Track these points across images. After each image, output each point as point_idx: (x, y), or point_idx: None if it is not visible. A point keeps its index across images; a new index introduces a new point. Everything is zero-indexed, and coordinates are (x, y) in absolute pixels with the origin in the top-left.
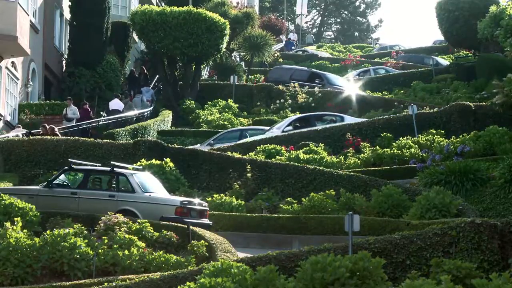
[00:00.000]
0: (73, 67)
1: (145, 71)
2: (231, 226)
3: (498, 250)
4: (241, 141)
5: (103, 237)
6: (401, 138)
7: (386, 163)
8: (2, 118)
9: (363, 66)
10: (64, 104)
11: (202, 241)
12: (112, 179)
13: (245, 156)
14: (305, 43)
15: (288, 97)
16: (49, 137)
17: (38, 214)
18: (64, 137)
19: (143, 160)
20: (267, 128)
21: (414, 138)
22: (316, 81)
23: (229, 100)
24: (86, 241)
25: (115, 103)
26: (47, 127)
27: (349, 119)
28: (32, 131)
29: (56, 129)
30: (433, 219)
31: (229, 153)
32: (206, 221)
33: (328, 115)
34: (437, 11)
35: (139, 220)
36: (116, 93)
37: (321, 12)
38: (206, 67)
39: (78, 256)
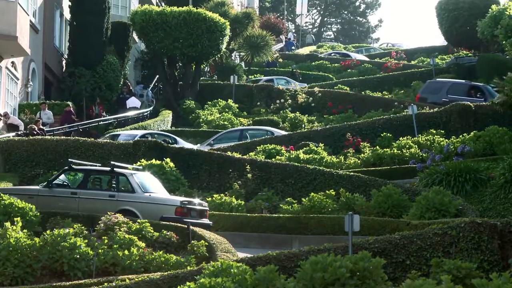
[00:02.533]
0: (73, 67)
1: (130, 87)
2: (231, 226)
3: (498, 250)
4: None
5: (103, 237)
6: (401, 138)
7: (386, 163)
8: (2, 118)
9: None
10: (66, 105)
11: (202, 241)
12: (112, 179)
13: (245, 156)
14: (305, 43)
15: (288, 97)
16: (49, 137)
17: (38, 214)
18: (64, 137)
19: (143, 160)
20: (268, 128)
21: (414, 138)
22: (478, 96)
23: (229, 100)
24: (86, 241)
25: (133, 101)
26: (33, 127)
27: (182, 142)
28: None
29: (36, 129)
30: (433, 219)
31: (229, 153)
32: (206, 221)
33: (162, 135)
34: (437, 11)
35: (139, 220)
36: (134, 91)
37: (321, 12)
38: (206, 67)
39: (78, 256)
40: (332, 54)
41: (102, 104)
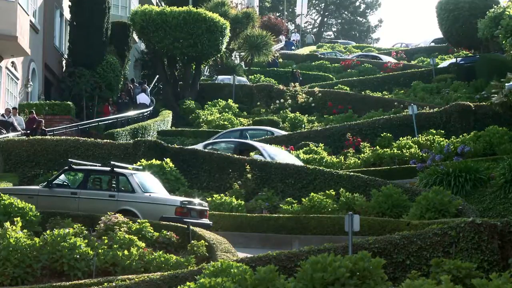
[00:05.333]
0: (73, 67)
1: (129, 87)
2: (231, 226)
3: (498, 250)
4: None
5: (103, 237)
6: (401, 138)
7: (386, 163)
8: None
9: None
10: (67, 105)
11: (202, 241)
12: (112, 179)
13: (245, 156)
14: (305, 43)
15: (288, 97)
16: (49, 137)
17: (38, 214)
18: (64, 137)
19: (143, 160)
20: (268, 128)
21: (414, 138)
22: None
23: (229, 100)
24: (86, 241)
25: (142, 97)
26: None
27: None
28: (28, 131)
29: (42, 123)
30: (433, 219)
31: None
32: (206, 221)
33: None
34: (437, 11)
35: (139, 220)
36: (143, 87)
37: (321, 12)
38: (206, 67)
39: (78, 256)
40: (361, 57)
41: (115, 105)
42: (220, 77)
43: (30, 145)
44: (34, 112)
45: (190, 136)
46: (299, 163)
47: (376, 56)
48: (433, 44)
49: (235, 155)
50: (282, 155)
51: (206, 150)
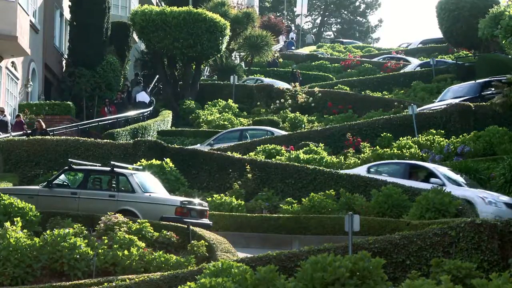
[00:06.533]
0: (73, 67)
1: (129, 88)
2: (231, 226)
3: (498, 250)
4: None
5: (103, 237)
6: (401, 138)
7: None
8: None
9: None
10: (67, 105)
11: (202, 241)
12: (112, 179)
13: (245, 156)
14: (305, 43)
15: (288, 97)
16: (49, 137)
17: (38, 214)
18: (64, 137)
19: (143, 160)
20: (268, 128)
21: (414, 138)
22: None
23: (229, 100)
24: (86, 241)
25: (142, 95)
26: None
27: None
28: (29, 131)
29: (42, 123)
30: (433, 219)
31: (229, 153)
32: (206, 221)
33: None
34: (437, 11)
35: (139, 220)
36: (141, 86)
37: (321, 12)
38: (206, 67)
39: (78, 256)
40: (387, 58)
41: (113, 104)
42: (266, 79)
43: (30, 145)
44: (21, 116)
45: (190, 136)
46: (464, 185)
47: (401, 58)
48: (420, 45)
49: (235, 155)
50: (455, 177)
51: (207, 150)
